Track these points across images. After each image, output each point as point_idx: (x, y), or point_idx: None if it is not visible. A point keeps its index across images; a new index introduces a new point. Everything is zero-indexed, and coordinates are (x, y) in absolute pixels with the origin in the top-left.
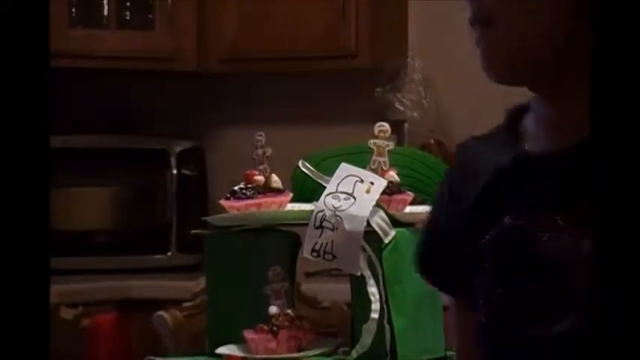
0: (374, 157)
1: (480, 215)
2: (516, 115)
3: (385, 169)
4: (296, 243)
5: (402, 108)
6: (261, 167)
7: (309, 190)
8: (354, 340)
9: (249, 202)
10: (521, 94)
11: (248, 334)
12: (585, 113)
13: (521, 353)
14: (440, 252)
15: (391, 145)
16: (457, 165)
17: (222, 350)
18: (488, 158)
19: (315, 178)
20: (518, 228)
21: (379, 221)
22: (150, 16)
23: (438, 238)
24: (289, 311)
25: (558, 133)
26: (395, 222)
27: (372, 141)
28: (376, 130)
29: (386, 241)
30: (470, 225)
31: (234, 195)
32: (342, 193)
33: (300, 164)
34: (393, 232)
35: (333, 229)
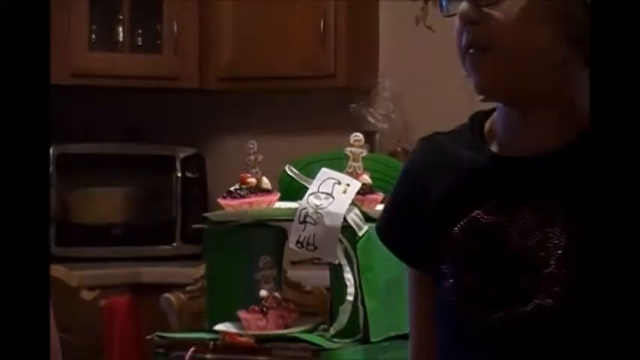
0: (350, 163)
1: (451, 206)
2: (480, 119)
3: (359, 172)
4: (283, 236)
5: (373, 121)
6: (254, 171)
7: (294, 191)
8: (332, 319)
9: (243, 200)
10: (477, 107)
11: (242, 314)
12: (558, 123)
13: (489, 332)
14: (400, 229)
15: (364, 153)
16: (422, 156)
17: (219, 327)
18: (457, 155)
19: (300, 181)
20: (484, 222)
21: (354, 217)
22: (158, 41)
23: (399, 217)
24: (277, 294)
25: (532, 141)
26: (368, 218)
27: (348, 149)
28: (352, 140)
29: (360, 234)
30: (439, 213)
31: (230, 195)
32: (322, 193)
33: (286, 168)
34: (366, 227)
35: (314, 224)
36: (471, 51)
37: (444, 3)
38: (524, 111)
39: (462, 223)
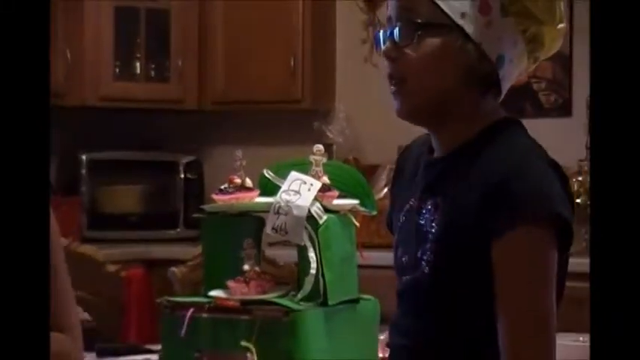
0: (313, 168)
1: (405, 192)
2: None
3: (320, 175)
4: (261, 223)
5: (331, 135)
6: (239, 173)
7: (270, 189)
8: (299, 287)
9: (231, 196)
10: (409, 128)
11: (230, 283)
12: (455, 135)
13: (399, 291)
14: (391, 214)
15: (324, 160)
16: (405, 151)
17: (213, 293)
18: (419, 153)
19: (274, 181)
20: (412, 208)
21: (316, 209)
22: (167, 74)
23: (391, 205)
24: (257, 268)
25: (442, 147)
26: (326, 210)
27: (311, 157)
28: (314, 150)
29: (320, 222)
30: (402, 201)
31: (221, 191)
32: (291, 190)
33: (264, 172)
34: (325, 217)
35: (285, 215)
36: (391, 80)
37: (380, 45)
38: (433, 126)
39: (406, 208)
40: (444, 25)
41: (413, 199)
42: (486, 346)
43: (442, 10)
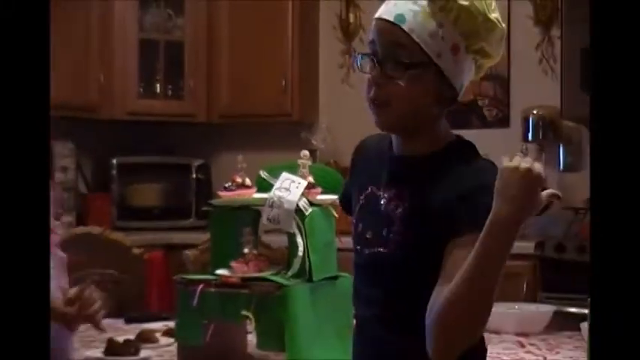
0: (300, 169)
1: (363, 180)
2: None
3: (306, 175)
4: (258, 215)
5: (315, 143)
6: (240, 174)
7: (265, 187)
8: (289, 267)
9: (234, 192)
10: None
11: (232, 263)
12: (417, 144)
13: (362, 262)
14: (345, 196)
15: (310, 163)
16: (362, 145)
17: (219, 272)
18: (376, 148)
19: (269, 180)
20: (372, 193)
21: (303, 203)
22: (181, 92)
23: (346, 188)
24: (255, 251)
25: (407, 148)
26: (311, 204)
27: (299, 160)
28: (302, 155)
29: (306, 214)
30: (357, 184)
31: (225, 188)
32: (283, 188)
33: (260, 173)
34: (310, 209)
35: (278, 207)
36: (375, 102)
37: (358, 63)
38: (404, 135)
39: (365, 192)
40: (424, 62)
41: (373, 186)
42: None
43: (423, 50)
